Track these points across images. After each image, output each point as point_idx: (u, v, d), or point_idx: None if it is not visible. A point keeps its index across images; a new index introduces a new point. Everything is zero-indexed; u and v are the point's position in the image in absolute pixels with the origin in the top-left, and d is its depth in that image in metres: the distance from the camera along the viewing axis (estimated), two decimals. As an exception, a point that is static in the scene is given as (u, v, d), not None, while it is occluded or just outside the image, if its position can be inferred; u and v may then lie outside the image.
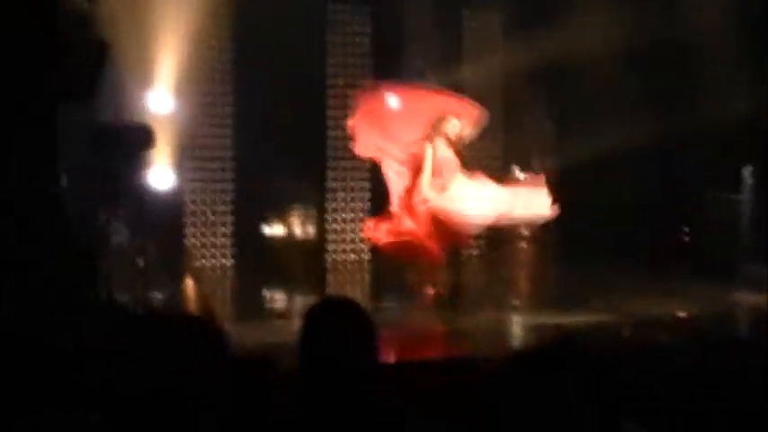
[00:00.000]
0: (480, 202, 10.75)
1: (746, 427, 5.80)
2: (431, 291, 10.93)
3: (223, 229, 13.47)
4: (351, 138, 10.96)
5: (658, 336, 8.65)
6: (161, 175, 12.30)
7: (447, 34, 14.52)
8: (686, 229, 14.79)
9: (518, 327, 10.27)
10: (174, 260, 9.65)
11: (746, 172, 13.54)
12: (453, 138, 10.81)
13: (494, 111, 14.77)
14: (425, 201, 10.65)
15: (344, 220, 14.21)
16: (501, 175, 14.65)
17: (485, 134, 14.58)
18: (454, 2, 14.57)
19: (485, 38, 14.84)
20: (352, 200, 14.29)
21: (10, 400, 4.07)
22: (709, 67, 13.53)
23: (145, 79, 12.38)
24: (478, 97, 14.57)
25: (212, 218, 13.41)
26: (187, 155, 13.17)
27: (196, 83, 13.10)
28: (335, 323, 3.23)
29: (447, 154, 10.78)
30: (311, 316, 3.28)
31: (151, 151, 10.63)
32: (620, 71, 13.70)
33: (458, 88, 14.40)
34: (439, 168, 10.72)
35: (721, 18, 12.94)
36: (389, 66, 14.33)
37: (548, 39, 13.32)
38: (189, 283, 8.74)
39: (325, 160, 14.01)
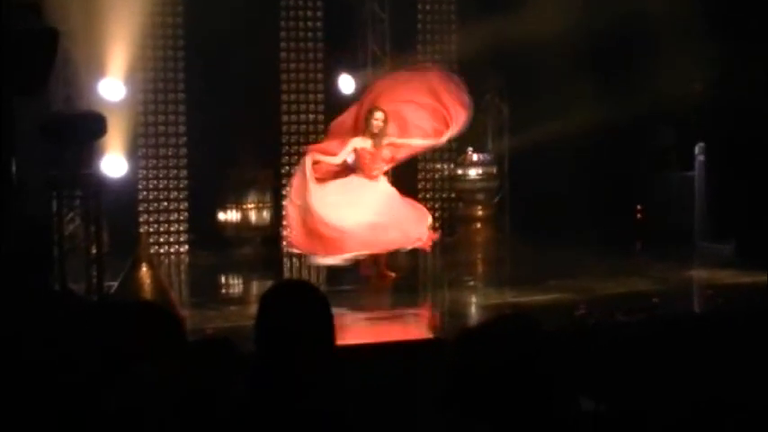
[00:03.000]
0: (343, 209, 10.71)
1: (702, 401, 5.86)
2: (378, 273, 11.00)
3: (177, 215, 13.41)
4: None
5: (615, 313, 8.71)
6: (114, 162, 12.22)
7: (402, 18, 14.51)
8: (640, 208, 14.92)
9: (474, 306, 10.32)
10: (128, 248, 9.57)
11: (698, 149, 13.66)
12: (376, 131, 10.87)
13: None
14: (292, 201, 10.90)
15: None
16: (456, 157, 14.80)
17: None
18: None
19: (438, 21, 14.84)
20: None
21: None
22: (658, 47, 13.63)
23: (97, 67, 12.28)
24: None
25: (166, 204, 13.35)
26: (140, 142, 13.10)
27: (148, 70, 13.03)
28: (291, 306, 3.23)
29: (368, 147, 10.91)
30: (267, 299, 3.28)
31: (104, 139, 10.55)
32: (572, 54, 13.76)
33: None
34: (366, 162, 10.88)
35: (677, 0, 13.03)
36: (342, 51, 14.33)
37: (501, 22, 13.35)
38: (143, 271, 8.69)
39: (280, 146, 13.98)
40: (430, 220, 11.23)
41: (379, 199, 10.91)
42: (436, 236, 11.40)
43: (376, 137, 10.88)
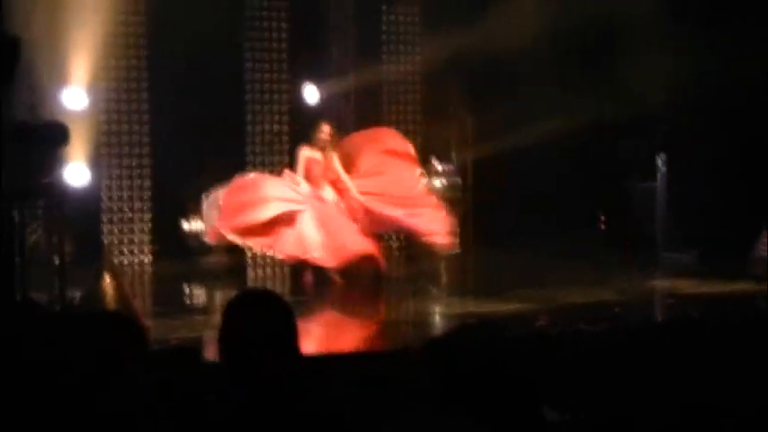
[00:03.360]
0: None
1: (667, 411, 5.90)
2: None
3: (141, 225, 13.35)
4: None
5: (580, 322, 8.74)
6: (77, 171, 12.17)
7: (366, 28, 14.53)
8: (603, 218, 15.00)
9: (438, 316, 10.33)
10: (91, 257, 9.52)
11: (660, 160, 13.75)
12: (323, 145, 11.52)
13: (413, 104, 14.91)
14: None
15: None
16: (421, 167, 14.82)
17: (404, 126, 14.73)
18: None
19: (404, 32, 14.86)
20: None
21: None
22: (621, 56, 13.72)
23: (59, 76, 12.23)
24: (397, 92, 14.73)
25: (130, 214, 13.28)
26: (103, 151, 13.03)
27: (111, 79, 12.97)
28: (255, 314, 3.23)
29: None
30: (231, 308, 3.28)
31: (66, 148, 10.50)
32: (536, 63, 13.84)
33: (377, 82, 14.54)
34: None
35: (639, 7, 13.11)
36: (307, 60, 14.32)
37: (466, 31, 13.40)
38: (107, 281, 8.65)
39: (245, 156, 13.95)
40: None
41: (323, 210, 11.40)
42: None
43: (324, 150, 11.43)
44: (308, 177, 11.45)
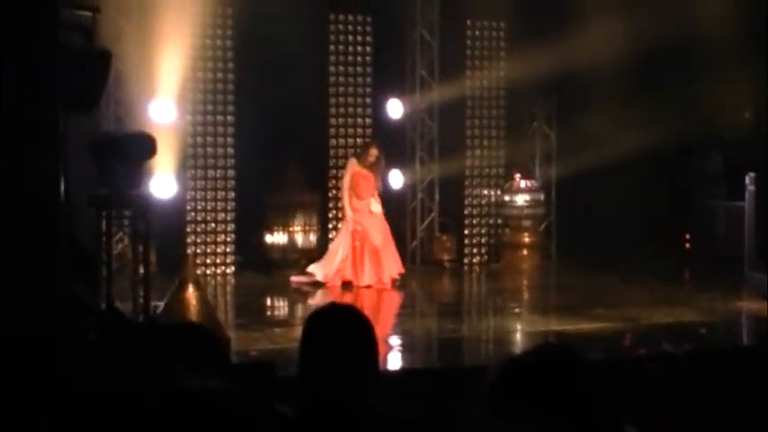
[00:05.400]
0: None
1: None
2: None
3: (224, 236, 13.45)
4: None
5: (662, 343, 8.63)
6: (163, 183, 12.31)
7: (450, 44, 14.51)
8: (688, 236, 14.81)
9: (520, 334, 10.27)
10: (174, 268, 9.62)
11: (749, 179, 13.52)
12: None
13: (497, 119, 14.86)
14: None
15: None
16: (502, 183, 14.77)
17: (487, 141, 14.69)
18: (458, 11, 14.54)
19: (487, 47, 14.82)
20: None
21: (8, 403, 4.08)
22: (709, 74, 13.55)
23: (147, 89, 12.40)
24: (480, 107, 14.70)
25: (213, 226, 13.39)
26: (189, 163, 13.16)
27: (198, 92, 13.11)
28: (336, 329, 3.23)
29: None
30: (312, 322, 3.28)
31: (153, 160, 10.62)
32: (620, 79, 13.73)
33: (460, 97, 14.51)
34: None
35: (722, 24, 12.95)
36: (390, 75, 14.35)
37: (549, 48, 13.33)
38: (190, 292, 8.72)
39: (328, 169, 14.01)
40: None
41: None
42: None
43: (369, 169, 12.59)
44: (356, 190, 12.52)
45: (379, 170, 12.72)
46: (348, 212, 12.52)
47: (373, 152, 12.63)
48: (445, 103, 14.42)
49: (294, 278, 12.68)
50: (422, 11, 14.36)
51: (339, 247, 12.45)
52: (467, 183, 14.75)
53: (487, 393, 2.29)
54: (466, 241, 14.66)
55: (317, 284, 12.25)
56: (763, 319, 10.31)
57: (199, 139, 13.25)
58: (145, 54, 12.32)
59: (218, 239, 13.42)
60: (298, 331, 3.36)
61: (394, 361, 8.62)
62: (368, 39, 14.19)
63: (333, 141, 14.06)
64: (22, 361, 4.47)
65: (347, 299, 11.34)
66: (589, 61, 13.16)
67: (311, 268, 12.56)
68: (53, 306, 5.63)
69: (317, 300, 11.57)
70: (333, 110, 14.06)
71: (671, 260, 14.12)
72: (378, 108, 14.28)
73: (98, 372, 3.32)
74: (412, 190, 14.38)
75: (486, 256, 14.65)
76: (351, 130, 14.13)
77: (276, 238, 13.74)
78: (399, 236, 13.49)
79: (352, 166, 12.63)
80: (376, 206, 12.56)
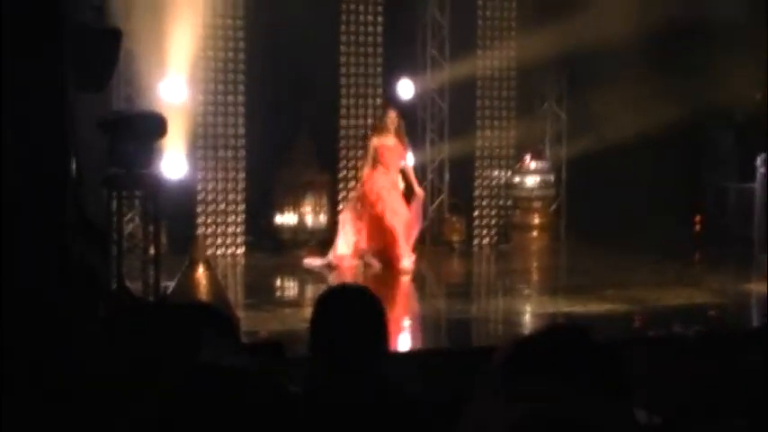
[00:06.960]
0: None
1: (761, 417, 5.78)
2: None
3: (234, 217, 13.46)
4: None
5: (672, 325, 8.63)
6: (174, 163, 12.32)
7: (462, 23, 14.46)
8: (699, 218, 14.78)
9: (529, 315, 10.27)
10: (184, 248, 9.63)
11: (759, 161, 13.48)
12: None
13: (507, 100, 14.82)
14: None
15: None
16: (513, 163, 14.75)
17: (498, 122, 14.66)
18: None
19: (498, 27, 14.76)
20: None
21: (18, 384, 4.10)
22: (719, 54, 13.49)
23: (158, 68, 12.38)
24: (491, 87, 14.65)
25: (224, 206, 13.39)
26: (199, 144, 13.15)
27: (209, 71, 13.09)
28: (346, 309, 3.24)
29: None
30: (323, 302, 3.29)
31: (164, 140, 10.63)
32: (631, 59, 13.68)
33: (471, 77, 14.47)
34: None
35: (735, 3, 12.89)
36: (400, 55, 14.32)
37: (560, 27, 13.29)
38: (200, 272, 8.73)
39: (338, 150, 14.00)
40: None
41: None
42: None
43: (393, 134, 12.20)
44: (383, 163, 12.15)
45: (402, 135, 12.36)
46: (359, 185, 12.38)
47: (392, 114, 12.40)
48: (456, 84, 14.39)
49: (307, 260, 12.55)
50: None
51: (346, 222, 12.34)
52: (477, 164, 14.71)
53: (496, 373, 2.29)
54: (476, 222, 14.64)
55: (329, 266, 12.19)
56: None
57: (209, 119, 13.23)
58: (156, 33, 12.29)
59: (229, 220, 13.41)
60: (307, 312, 3.37)
61: (403, 341, 8.64)
62: (379, 18, 14.15)
63: (343, 122, 14.04)
64: (36, 343, 4.50)
65: (358, 280, 11.34)
66: (600, 41, 13.10)
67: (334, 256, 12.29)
68: (67, 275, 5.66)
69: (328, 281, 11.58)
70: (343, 90, 14.03)
71: (681, 241, 14.09)
72: (388, 88, 14.24)
73: (112, 350, 3.33)
74: (422, 170, 14.37)
75: (495, 237, 14.63)
76: (361, 111, 14.10)
77: (286, 218, 13.75)
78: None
79: (374, 142, 12.29)
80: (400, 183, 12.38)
